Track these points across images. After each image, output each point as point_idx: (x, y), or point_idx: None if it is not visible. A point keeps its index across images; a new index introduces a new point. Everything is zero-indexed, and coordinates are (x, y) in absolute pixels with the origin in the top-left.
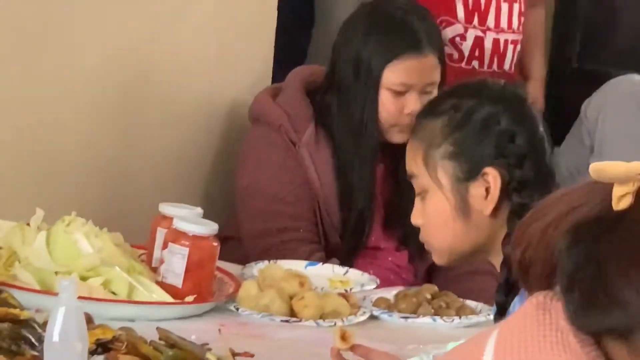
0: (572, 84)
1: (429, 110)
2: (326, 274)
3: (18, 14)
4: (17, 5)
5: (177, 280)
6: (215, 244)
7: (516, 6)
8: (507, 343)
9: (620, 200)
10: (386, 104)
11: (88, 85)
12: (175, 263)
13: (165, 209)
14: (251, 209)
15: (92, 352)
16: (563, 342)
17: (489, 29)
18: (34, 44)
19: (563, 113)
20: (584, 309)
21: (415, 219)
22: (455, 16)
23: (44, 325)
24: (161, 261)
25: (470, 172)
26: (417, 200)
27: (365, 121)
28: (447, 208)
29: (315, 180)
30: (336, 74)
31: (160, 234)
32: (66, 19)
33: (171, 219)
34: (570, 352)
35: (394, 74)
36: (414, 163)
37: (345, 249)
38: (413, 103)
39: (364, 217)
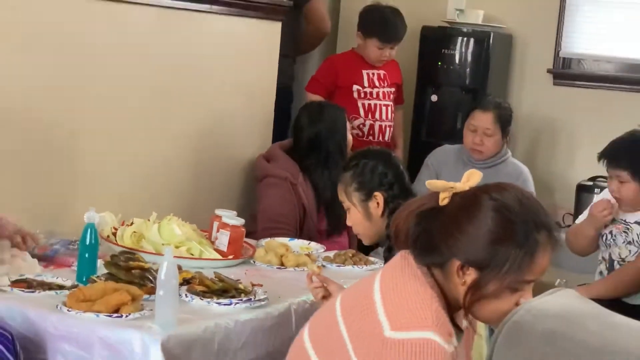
0: (420, 149)
1: (345, 166)
2: (300, 244)
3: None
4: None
5: (224, 248)
6: (243, 229)
7: (390, 108)
8: (386, 277)
9: (443, 200)
10: None
11: (180, 136)
12: (223, 239)
13: (218, 211)
14: (265, 215)
15: (180, 284)
16: (414, 273)
17: (377, 120)
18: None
19: (416, 164)
20: (423, 254)
21: (348, 222)
22: (359, 114)
23: (157, 271)
24: (216, 238)
25: (368, 196)
26: (347, 213)
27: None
28: (360, 216)
29: (307, 203)
30: (316, 150)
31: (215, 224)
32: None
33: (220, 216)
34: (417, 278)
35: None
36: (342, 195)
37: (323, 233)
38: None
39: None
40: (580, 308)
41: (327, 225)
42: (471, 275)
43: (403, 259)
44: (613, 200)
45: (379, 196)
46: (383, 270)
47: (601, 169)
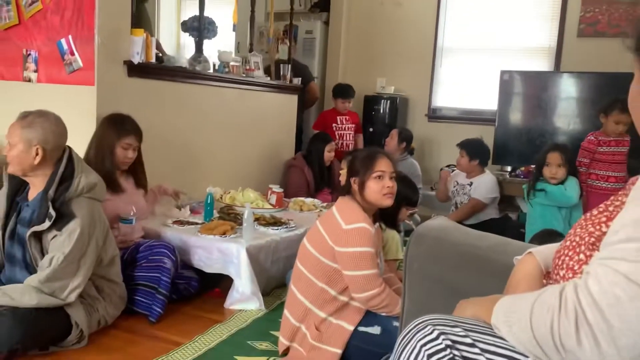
0: None
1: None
2: (309, 200)
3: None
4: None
5: (273, 202)
6: (282, 193)
7: (350, 135)
8: (338, 204)
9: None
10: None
11: (253, 150)
12: (272, 199)
13: (270, 185)
14: (290, 184)
15: (254, 220)
16: (350, 198)
17: (344, 140)
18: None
19: None
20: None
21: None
22: (336, 138)
23: (242, 215)
24: (269, 198)
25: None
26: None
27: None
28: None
29: (310, 176)
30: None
31: (269, 192)
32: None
33: (271, 187)
34: (350, 201)
35: (329, 153)
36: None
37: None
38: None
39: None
40: (449, 225)
41: (319, 185)
42: (357, 181)
43: (342, 197)
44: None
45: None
46: (336, 203)
47: (451, 161)
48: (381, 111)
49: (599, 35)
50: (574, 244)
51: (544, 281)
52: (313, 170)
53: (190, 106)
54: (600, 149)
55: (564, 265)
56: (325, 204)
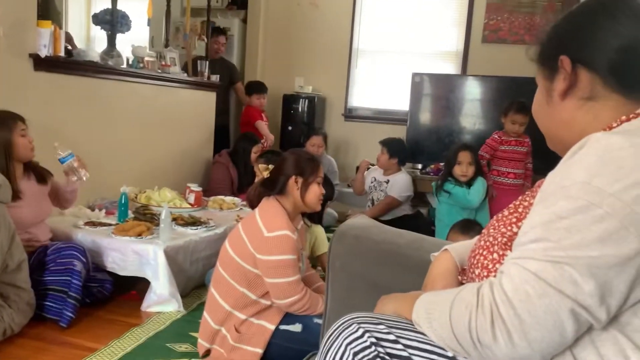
0: None
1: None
2: (229, 199)
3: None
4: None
5: (192, 202)
6: (201, 192)
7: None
8: (261, 207)
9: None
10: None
11: (169, 148)
12: (191, 198)
13: (188, 184)
14: (214, 180)
15: (172, 220)
16: (272, 202)
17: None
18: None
19: None
20: (272, 190)
21: None
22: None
23: (159, 215)
24: (187, 197)
25: None
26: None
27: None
28: None
29: (234, 174)
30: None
31: (187, 190)
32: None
33: (190, 186)
34: (273, 204)
35: (255, 154)
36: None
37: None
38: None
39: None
40: (369, 223)
41: (243, 184)
42: (299, 181)
43: (267, 198)
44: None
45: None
46: (259, 205)
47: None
48: (299, 110)
49: (501, 42)
50: (487, 243)
51: (460, 277)
52: (238, 169)
53: (103, 103)
54: (501, 147)
55: (479, 264)
56: (245, 202)
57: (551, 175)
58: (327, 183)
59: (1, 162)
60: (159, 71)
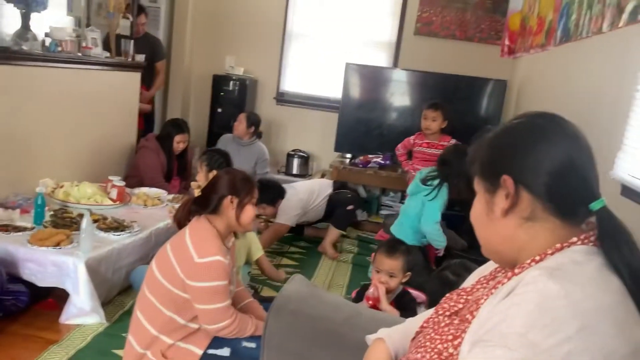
0: (214, 136)
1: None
2: (154, 192)
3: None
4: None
5: (114, 197)
6: (124, 187)
7: None
8: (191, 228)
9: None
10: None
11: (90, 137)
12: (113, 193)
13: (110, 177)
14: (145, 167)
15: (94, 222)
16: (203, 225)
17: None
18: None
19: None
20: (205, 208)
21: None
22: None
23: (80, 216)
24: (109, 192)
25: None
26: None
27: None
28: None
29: (164, 161)
30: (162, 137)
31: (109, 185)
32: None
33: (112, 180)
34: (205, 227)
35: (178, 144)
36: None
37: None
38: None
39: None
40: (306, 293)
41: (170, 173)
42: (235, 201)
43: (197, 218)
44: None
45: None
46: (189, 225)
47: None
48: (230, 92)
49: (433, 35)
50: (425, 358)
51: None
52: (166, 156)
53: (16, 90)
54: (415, 147)
55: None
56: (171, 197)
57: (489, 308)
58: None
59: None
60: (79, 54)
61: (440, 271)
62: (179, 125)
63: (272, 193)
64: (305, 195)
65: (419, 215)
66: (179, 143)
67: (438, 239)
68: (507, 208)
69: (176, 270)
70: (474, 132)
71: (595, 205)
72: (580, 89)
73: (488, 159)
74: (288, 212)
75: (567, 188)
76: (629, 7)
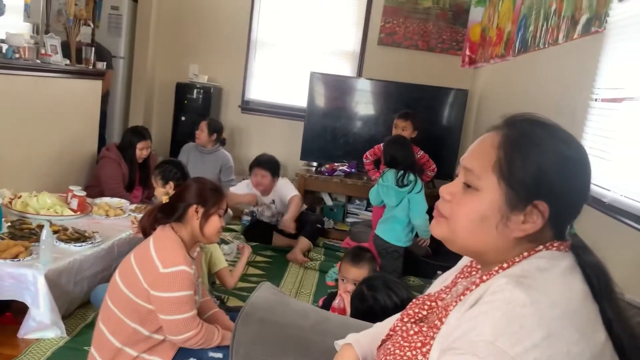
0: (176, 145)
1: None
2: (116, 201)
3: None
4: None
5: (75, 207)
6: (85, 197)
7: None
8: (155, 238)
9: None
10: None
11: (50, 146)
12: (74, 203)
13: (71, 186)
14: (106, 177)
15: (54, 232)
16: (167, 234)
17: None
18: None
19: (175, 152)
20: (169, 217)
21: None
22: None
23: (39, 227)
24: (69, 202)
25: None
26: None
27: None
28: None
29: (125, 170)
30: (123, 146)
31: (69, 194)
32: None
33: (72, 189)
34: (169, 236)
35: (141, 151)
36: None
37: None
38: None
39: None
40: (274, 300)
41: (132, 182)
42: (200, 211)
43: (162, 227)
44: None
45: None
46: (154, 235)
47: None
48: (194, 100)
49: (396, 45)
50: None
51: None
52: (128, 165)
53: None
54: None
55: None
56: (134, 207)
57: (457, 316)
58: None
59: None
60: (39, 61)
61: (360, 284)
62: (140, 132)
63: (278, 168)
64: None
65: (408, 215)
66: (141, 150)
67: (427, 229)
68: (532, 232)
69: (140, 281)
70: (436, 141)
71: (573, 230)
72: (539, 98)
73: (532, 176)
74: (289, 185)
75: (573, 218)
76: (582, 20)
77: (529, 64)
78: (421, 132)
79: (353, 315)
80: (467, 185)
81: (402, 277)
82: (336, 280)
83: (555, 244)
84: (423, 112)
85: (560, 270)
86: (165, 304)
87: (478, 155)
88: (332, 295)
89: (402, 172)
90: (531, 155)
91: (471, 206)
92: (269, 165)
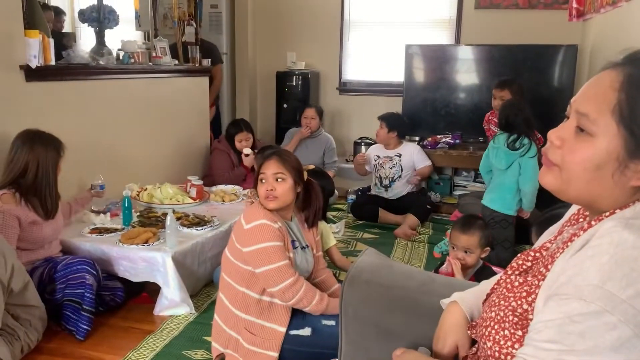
0: (281, 130)
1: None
2: (230, 188)
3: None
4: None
5: (194, 196)
6: (202, 185)
7: None
8: (245, 210)
9: None
10: None
11: (169, 142)
12: (192, 192)
13: (189, 177)
14: (216, 168)
15: (177, 219)
16: (257, 204)
17: None
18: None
19: (280, 137)
20: None
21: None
22: None
23: (164, 215)
24: (189, 192)
25: None
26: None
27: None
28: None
29: (235, 160)
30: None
31: (188, 184)
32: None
33: (190, 179)
34: (260, 207)
35: (240, 143)
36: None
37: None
38: None
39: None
40: (378, 263)
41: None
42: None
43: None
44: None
45: None
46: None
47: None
48: (294, 87)
49: (494, 7)
50: (498, 317)
51: (469, 332)
52: (237, 155)
53: (96, 104)
54: (491, 126)
55: (491, 337)
56: (247, 191)
57: (562, 262)
58: (324, 177)
59: (52, 181)
60: (150, 64)
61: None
62: (237, 124)
63: (400, 125)
64: None
65: (517, 181)
66: (241, 142)
67: (533, 199)
68: None
69: (235, 244)
70: (546, 103)
71: None
72: None
73: None
74: (423, 155)
75: None
76: None
77: None
78: (529, 95)
79: None
80: (580, 129)
81: (515, 246)
82: (442, 253)
83: None
84: (529, 74)
85: None
86: (255, 258)
87: (593, 97)
88: (441, 266)
89: (515, 135)
90: None
91: (586, 153)
92: (389, 120)
